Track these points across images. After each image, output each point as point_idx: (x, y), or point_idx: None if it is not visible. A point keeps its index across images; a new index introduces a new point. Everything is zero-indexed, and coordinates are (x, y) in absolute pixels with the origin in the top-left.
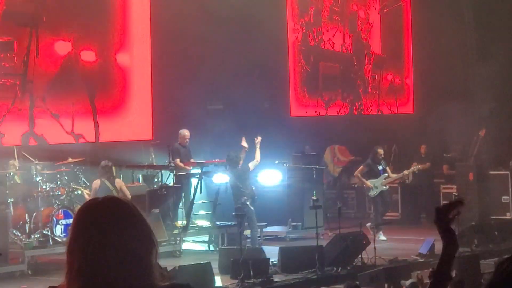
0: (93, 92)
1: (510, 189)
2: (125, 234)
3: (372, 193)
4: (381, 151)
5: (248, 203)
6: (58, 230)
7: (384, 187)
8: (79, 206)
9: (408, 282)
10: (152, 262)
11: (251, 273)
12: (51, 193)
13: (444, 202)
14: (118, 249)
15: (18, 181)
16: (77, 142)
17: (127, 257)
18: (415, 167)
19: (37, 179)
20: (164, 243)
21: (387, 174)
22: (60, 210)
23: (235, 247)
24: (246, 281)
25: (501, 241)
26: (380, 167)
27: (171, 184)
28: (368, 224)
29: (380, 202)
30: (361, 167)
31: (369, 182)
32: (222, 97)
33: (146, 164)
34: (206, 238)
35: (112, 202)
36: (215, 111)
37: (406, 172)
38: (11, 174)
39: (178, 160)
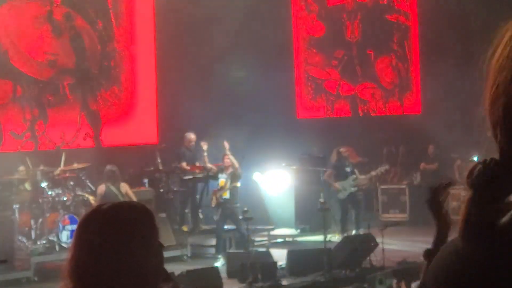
0: (99, 97)
1: None
2: (130, 240)
3: (341, 195)
4: (344, 151)
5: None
6: (64, 236)
7: (353, 188)
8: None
9: (414, 284)
10: (160, 268)
11: (259, 277)
12: (56, 198)
13: (437, 185)
14: (121, 257)
15: (28, 188)
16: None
17: (130, 265)
18: (382, 168)
19: (43, 184)
20: (171, 248)
21: (355, 176)
22: (66, 216)
23: (242, 251)
24: (254, 284)
25: None
26: (348, 169)
27: (177, 188)
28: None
29: (351, 205)
30: (329, 171)
31: (337, 184)
32: (227, 99)
33: (152, 168)
34: (213, 242)
35: (117, 210)
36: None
37: (373, 173)
38: (16, 180)
39: (184, 164)
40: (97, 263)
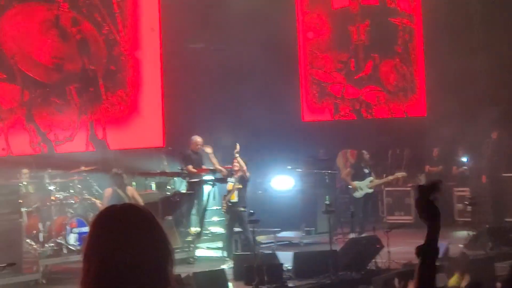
0: (105, 100)
1: None
2: (143, 242)
3: (358, 194)
4: (366, 154)
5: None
6: (72, 238)
7: (369, 189)
8: (92, 215)
9: None
10: (168, 270)
11: (265, 279)
12: (64, 201)
13: (425, 183)
14: (135, 256)
15: (31, 191)
16: (89, 151)
17: (144, 264)
18: (399, 173)
19: (50, 188)
20: (178, 250)
21: (372, 178)
22: (74, 219)
23: (249, 253)
24: (260, 286)
25: None
26: (366, 170)
27: (184, 191)
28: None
29: (362, 206)
30: (348, 169)
31: (355, 183)
32: (233, 102)
33: (158, 171)
34: (220, 244)
35: (130, 209)
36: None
37: (390, 177)
38: (24, 183)
39: (190, 166)
40: (112, 262)
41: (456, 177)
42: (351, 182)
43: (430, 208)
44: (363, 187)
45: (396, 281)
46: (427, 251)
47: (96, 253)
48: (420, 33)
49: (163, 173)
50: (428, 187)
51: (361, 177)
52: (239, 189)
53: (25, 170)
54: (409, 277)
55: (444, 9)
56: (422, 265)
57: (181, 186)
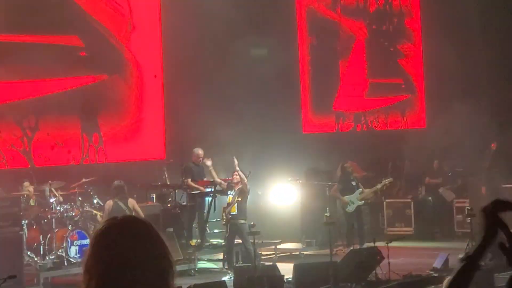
0: (105, 112)
1: None
2: (144, 255)
3: (349, 208)
4: (348, 166)
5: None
6: (73, 251)
7: (360, 202)
8: (93, 227)
9: None
10: (170, 283)
11: None
12: (65, 214)
13: (503, 199)
14: (137, 270)
15: (32, 204)
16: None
17: (146, 278)
18: (386, 180)
19: (51, 200)
20: (179, 262)
21: (361, 189)
22: (75, 231)
23: (249, 264)
24: None
25: None
26: (354, 183)
27: (184, 203)
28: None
29: (356, 218)
30: (335, 185)
31: (345, 198)
32: (234, 115)
33: (159, 183)
34: (220, 256)
35: (131, 222)
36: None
37: (378, 186)
38: (25, 196)
39: (189, 180)
40: (113, 274)
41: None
42: (342, 198)
43: (497, 222)
44: (354, 200)
45: None
46: (473, 260)
47: (96, 267)
48: (419, 46)
49: (164, 185)
50: (502, 202)
51: (350, 190)
52: (239, 202)
53: (26, 183)
54: None
55: (443, 20)
56: (460, 270)
57: (182, 198)
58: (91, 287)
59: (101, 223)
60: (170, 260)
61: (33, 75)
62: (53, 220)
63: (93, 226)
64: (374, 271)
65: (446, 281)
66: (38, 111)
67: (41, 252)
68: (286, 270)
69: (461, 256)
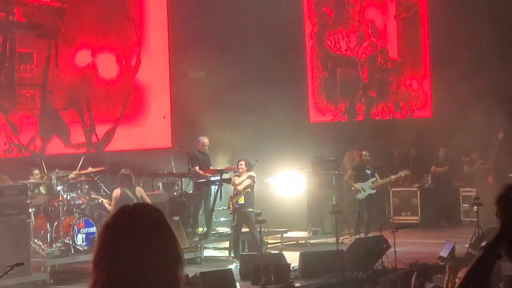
0: (112, 102)
1: None
2: (155, 245)
3: (360, 195)
4: (366, 155)
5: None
6: (80, 239)
7: (371, 190)
8: (99, 215)
9: (430, 286)
10: (179, 272)
11: (272, 279)
12: (72, 202)
13: None
14: (147, 259)
15: (43, 191)
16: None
17: (156, 267)
18: (402, 172)
19: (58, 188)
20: (185, 251)
21: (374, 178)
22: (81, 219)
23: (255, 253)
24: (267, 286)
25: None
26: (368, 171)
27: (191, 192)
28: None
29: (366, 206)
30: (350, 171)
31: (357, 185)
32: (241, 104)
33: (166, 172)
34: (226, 244)
35: (142, 211)
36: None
37: (392, 177)
38: (32, 184)
39: (197, 168)
40: (123, 264)
41: (464, 176)
42: (354, 184)
43: (507, 205)
44: (365, 188)
45: (414, 277)
46: (494, 247)
47: (106, 258)
48: (426, 34)
49: (170, 174)
50: None
51: (363, 178)
52: (246, 192)
53: (36, 171)
54: (425, 276)
55: (450, 9)
56: (479, 257)
57: (188, 186)
58: (101, 278)
59: (112, 213)
60: (179, 249)
61: None
62: (60, 208)
63: (99, 214)
64: (380, 260)
65: (461, 272)
66: None
67: (48, 240)
68: (292, 258)
69: (482, 244)
